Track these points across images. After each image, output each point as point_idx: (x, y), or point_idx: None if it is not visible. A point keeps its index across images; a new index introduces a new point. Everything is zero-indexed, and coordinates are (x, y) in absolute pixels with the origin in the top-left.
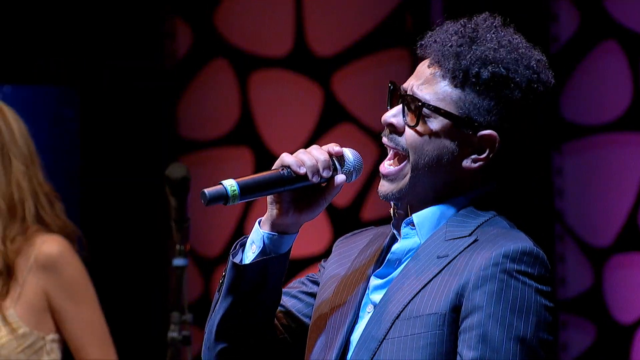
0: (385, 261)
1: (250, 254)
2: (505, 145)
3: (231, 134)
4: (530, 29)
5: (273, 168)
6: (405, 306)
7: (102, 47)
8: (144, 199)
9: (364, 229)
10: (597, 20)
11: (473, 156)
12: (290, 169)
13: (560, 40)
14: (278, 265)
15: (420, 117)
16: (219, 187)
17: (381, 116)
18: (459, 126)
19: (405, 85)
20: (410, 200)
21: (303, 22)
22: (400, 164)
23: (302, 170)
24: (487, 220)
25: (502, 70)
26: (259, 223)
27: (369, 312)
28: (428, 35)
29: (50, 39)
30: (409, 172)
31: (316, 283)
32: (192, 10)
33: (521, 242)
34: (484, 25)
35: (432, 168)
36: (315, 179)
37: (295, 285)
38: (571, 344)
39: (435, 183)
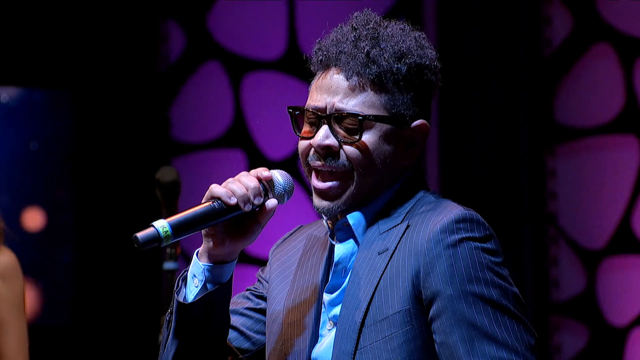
0: (332, 274)
1: (192, 287)
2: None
3: (224, 136)
4: (524, 32)
5: (203, 201)
6: (366, 312)
7: (95, 50)
8: (135, 202)
9: (293, 230)
10: (590, 23)
11: (409, 151)
12: (221, 200)
13: (553, 43)
14: (223, 294)
15: (361, 131)
16: (150, 229)
17: None
18: (395, 126)
19: (318, 104)
20: (346, 207)
21: (295, 24)
22: (338, 179)
23: (233, 201)
24: (416, 202)
25: (416, 59)
26: (197, 255)
27: (329, 330)
28: (321, 49)
29: (44, 41)
30: (353, 185)
31: (262, 298)
32: (185, 13)
33: (452, 211)
34: (373, 22)
35: (377, 174)
36: (247, 208)
37: (240, 301)
38: (564, 346)
39: (376, 185)
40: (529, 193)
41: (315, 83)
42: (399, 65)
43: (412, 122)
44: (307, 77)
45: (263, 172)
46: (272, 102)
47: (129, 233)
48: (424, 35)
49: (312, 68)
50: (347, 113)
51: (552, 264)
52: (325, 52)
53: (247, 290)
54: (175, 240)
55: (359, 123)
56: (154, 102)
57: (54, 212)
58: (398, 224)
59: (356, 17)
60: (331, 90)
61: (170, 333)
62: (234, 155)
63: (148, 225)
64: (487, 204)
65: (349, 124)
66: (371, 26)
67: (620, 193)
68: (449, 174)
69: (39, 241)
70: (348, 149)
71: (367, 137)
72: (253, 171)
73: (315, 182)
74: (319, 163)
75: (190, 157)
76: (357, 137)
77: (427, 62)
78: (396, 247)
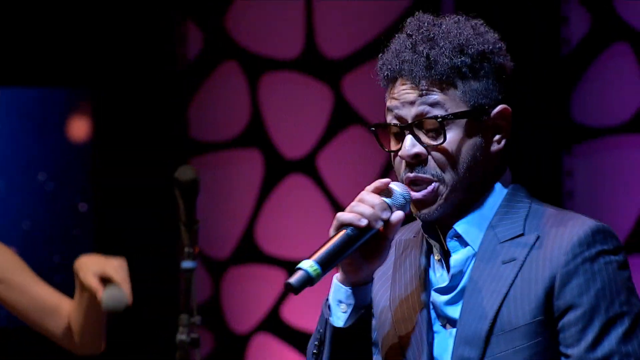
0: (442, 275)
1: (340, 314)
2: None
3: (241, 136)
4: (541, 31)
5: (332, 231)
6: (494, 320)
7: (114, 49)
8: (154, 201)
9: None
10: (608, 22)
11: (496, 137)
12: (353, 225)
13: (571, 43)
14: (369, 315)
15: (444, 132)
16: (300, 273)
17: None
18: (476, 118)
19: (396, 117)
20: (448, 210)
21: (313, 24)
22: (431, 184)
23: (364, 223)
24: (528, 211)
25: (477, 47)
26: (338, 281)
27: (446, 330)
28: (384, 63)
29: (63, 40)
30: (448, 187)
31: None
32: (203, 13)
33: (584, 223)
34: (427, 23)
35: (470, 170)
36: (379, 225)
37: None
38: None
39: (471, 182)
40: (546, 192)
41: (388, 98)
42: (463, 58)
43: (493, 109)
44: (324, 77)
45: (381, 184)
46: (289, 101)
47: (147, 232)
48: (482, 22)
49: (381, 85)
50: (425, 118)
51: None
52: (388, 66)
53: None
54: (324, 275)
55: (440, 124)
56: (172, 102)
57: (72, 211)
58: (521, 234)
59: (409, 23)
60: (405, 100)
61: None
62: (251, 155)
63: (295, 268)
64: None
65: (431, 128)
66: (425, 28)
67: (638, 193)
68: None
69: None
70: (435, 154)
71: (452, 136)
72: (371, 186)
73: (413, 194)
74: (411, 175)
75: (207, 157)
76: (442, 139)
77: (490, 47)
78: (525, 258)
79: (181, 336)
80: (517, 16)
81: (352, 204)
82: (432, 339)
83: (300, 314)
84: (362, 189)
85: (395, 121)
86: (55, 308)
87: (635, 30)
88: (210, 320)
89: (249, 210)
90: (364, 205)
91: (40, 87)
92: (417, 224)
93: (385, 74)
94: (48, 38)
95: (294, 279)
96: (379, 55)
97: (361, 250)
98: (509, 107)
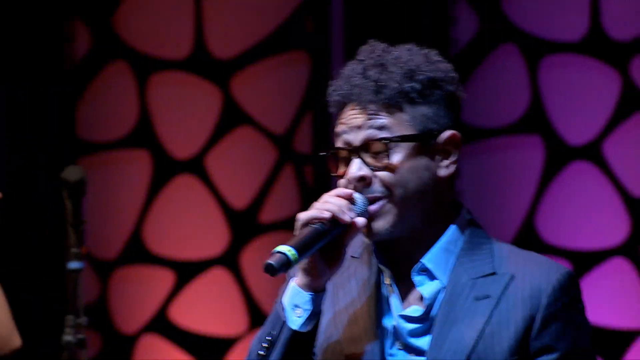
0: (425, 306)
1: (294, 318)
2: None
3: (130, 136)
4: (430, 32)
5: (297, 232)
6: (469, 355)
7: (0, 49)
8: (41, 202)
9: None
10: (496, 23)
11: (445, 162)
12: (317, 218)
13: (459, 43)
14: (318, 323)
15: (388, 155)
16: (279, 255)
17: (280, 118)
18: (423, 142)
19: (344, 142)
20: (401, 231)
21: (202, 24)
22: (379, 201)
23: (328, 214)
24: (492, 248)
25: (427, 73)
26: (298, 285)
27: (409, 355)
28: (335, 89)
29: None
30: (397, 207)
31: None
32: (91, 12)
33: (559, 267)
34: (379, 49)
35: (419, 190)
36: (347, 218)
37: None
38: None
39: (424, 208)
40: None
41: (338, 123)
42: (412, 84)
43: (440, 134)
44: (213, 77)
45: (343, 192)
46: (178, 101)
47: (33, 233)
48: (436, 52)
49: (330, 110)
50: (372, 140)
51: None
52: (339, 91)
53: None
54: (300, 262)
55: (385, 147)
56: (60, 102)
57: None
58: (492, 273)
59: (362, 49)
60: (353, 124)
61: None
62: (139, 155)
63: (273, 252)
64: None
65: (377, 151)
66: (377, 54)
67: (525, 193)
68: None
69: None
70: (380, 174)
71: (397, 159)
72: (333, 192)
73: (369, 207)
74: (358, 194)
75: (96, 157)
76: (387, 161)
77: (441, 75)
78: (500, 296)
79: (68, 337)
80: (406, 17)
81: (314, 203)
82: None
83: (187, 314)
84: (251, 190)
85: (343, 145)
86: None
87: (522, 32)
88: (98, 321)
89: (137, 210)
90: (327, 204)
91: None
92: (360, 244)
93: (335, 99)
94: None
95: (273, 260)
96: (329, 82)
97: (322, 255)
98: (458, 134)
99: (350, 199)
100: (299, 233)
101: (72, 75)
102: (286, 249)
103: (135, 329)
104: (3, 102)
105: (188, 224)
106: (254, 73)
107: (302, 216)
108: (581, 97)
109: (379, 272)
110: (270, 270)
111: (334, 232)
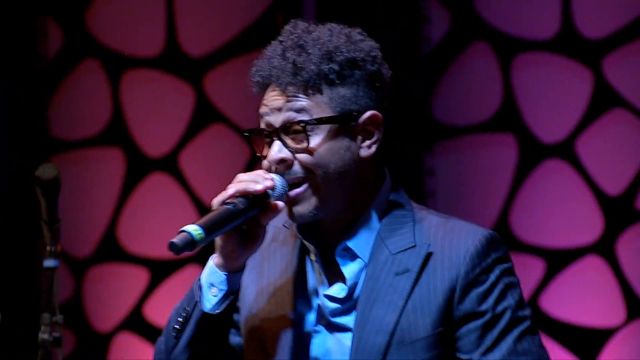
0: (348, 287)
1: (210, 296)
2: (386, 118)
3: (103, 134)
4: (402, 30)
5: (213, 209)
6: (392, 333)
7: None
8: (14, 200)
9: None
10: (468, 21)
11: (366, 142)
12: (228, 198)
13: (431, 41)
14: (236, 301)
15: (307, 137)
16: (183, 234)
17: (253, 116)
18: (342, 123)
19: (266, 123)
20: (324, 214)
21: (175, 22)
22: (302, 185)
23: (235, 191)
24: (414, 219)
25: (346, 54)
26: (215, 265)
27: (330, 334)
28: (257, 70)
29: None
30: (320, 189)
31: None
32: (63, 10)
33: (477, 232)
34: (300, 29)
35: (340, 171)
36: (258, 187)
37: None
38: None
39: (347, 185)
40: (408, 192)
41: (261, 104)
42: (331, 65)
43: (362, 115)
44: (185, 75)
45: (263, 173)
46: (151, 99)
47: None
48: (359, 30)
49: (254, 91)
50: (291, 123)
51: None
52: (260, 72)
53: None
54: (207, 241)
55: (304, 129)
56: (32, 100)
57: None
58: (412, 246)
59: (284, 30)
60: (273, 106)
61: (182, 343)
62: (113, 153)
63: (179, 231)
64: None
65: (297, 133)
66: (296, 35)
67: (498, 191)
68: None
69: None
70: (300, 156)
71: (317, 140)
72: (252, 173)
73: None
74: (279, 176)
75: (68, 155)
76: (306, 143)
77: (362, 55)
78: (421, 270)
79: (43, 335)
80: (379, 15)
81: (230, 184)
82: (309, 339)
83: (162, 312)
84: (224, 187)
85: (265, 127)
86: None
87: (495, 30)
88: (72, 319)
89: (111, 208)
90: (239, 183)
91: None
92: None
93: (257, 80)
94: None
95: (177, 239)
96: (253, 62)
97: (240, 236)
98: (379, 114)
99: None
100: (211, 213)
101: (44, 73)
102: (192, 228)
103: (110, 327)
104: None
105: (162, 221)
106: (227, 71)
107: (217, 199)
108: (554, 96)
109: (304, 247)
110: (173, 248)
111: (250, 212)
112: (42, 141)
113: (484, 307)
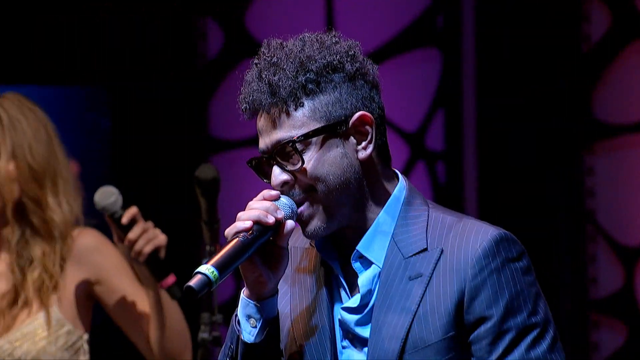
0: (361, 297)
1: (249, 328)
2: (379, 115)
3: None
4: (562, 29)
5: (226, 243)
6: (405, 339)
7: (133, 47)
8: (174, 199)
9: None
10: (629, 19)
11: (361, 144)
12: (241, 231)
13: (591, 40)
14: (277, 327)
15: (300, 155)
16: (199, 277)
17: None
18: (331, 131)
19: (261, 149)
20: (336, 225)
21: (334, 21)
22: (306, 202)
23: (249, 224)
24: (427, 221)
25: (321, 60)
26: (246, 296)
27: (354, 349)
28: (242, 97)
29: (80, 38)
30: (324, 202)
31: None
32: (223, 11)
33: (486, 233)
34: (271, 48)
35: (341, 180)
36: (271, 219)
37: None
38: (602, 344)
39: (351, 191)
40: (567, 190)
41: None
42: (307, 75)
43: (350, 118)
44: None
45: (269, 195)
46: None
47: (167, 232)
48: (333, 34)
49: (245, 119)
50: (280, 145)
51: (590, 261)
52: (244, 99)
53: None
54: (223, 279)
55: (294, 148)
56: (192, 100)
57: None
58: (424, 249)
59: (259, 51)
60: (263, 132)
61: None
62: None
63: (193, 274)
64: (526, 201)
65: (289, 153)
66: (269, 53)
67: None
68: (488, 171)
69: None
70: (299, 176)
71: (310, 155)
72: (259, 196)
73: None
74: (286, 198)
75: (227, 155)
76: (300, 162)
77: (338, 57)
78: (432, 273)
79: (203, 334)
80: (538, 15)
81: (240, 213)
82: (337, 356)
83: None
84: None
85: (261, 154)
86: (137, 320)
87: None
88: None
89: None
90: (250, 211)
91: (59, 87)
92: None
93: (244, 107)
94: (66, 36)
95: (193, 282)
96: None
97: (264, 261)
98: (366, 113)
99: (277, 199)
100: (223, 248)
101: (205, 73)
102: (206, 269)
103: None
104: (136, 101)
105: None
106: (385, 70)
107: (228, 231)
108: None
109: (326, 263)
110: (191, 294)
111: (263, 238)
112: (202, 141)
113: (494, 311)
